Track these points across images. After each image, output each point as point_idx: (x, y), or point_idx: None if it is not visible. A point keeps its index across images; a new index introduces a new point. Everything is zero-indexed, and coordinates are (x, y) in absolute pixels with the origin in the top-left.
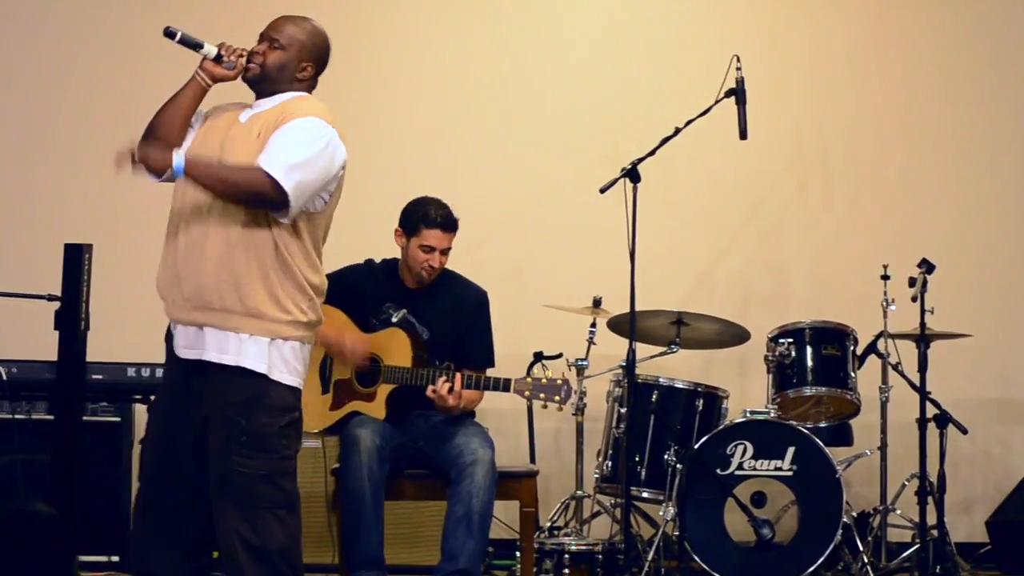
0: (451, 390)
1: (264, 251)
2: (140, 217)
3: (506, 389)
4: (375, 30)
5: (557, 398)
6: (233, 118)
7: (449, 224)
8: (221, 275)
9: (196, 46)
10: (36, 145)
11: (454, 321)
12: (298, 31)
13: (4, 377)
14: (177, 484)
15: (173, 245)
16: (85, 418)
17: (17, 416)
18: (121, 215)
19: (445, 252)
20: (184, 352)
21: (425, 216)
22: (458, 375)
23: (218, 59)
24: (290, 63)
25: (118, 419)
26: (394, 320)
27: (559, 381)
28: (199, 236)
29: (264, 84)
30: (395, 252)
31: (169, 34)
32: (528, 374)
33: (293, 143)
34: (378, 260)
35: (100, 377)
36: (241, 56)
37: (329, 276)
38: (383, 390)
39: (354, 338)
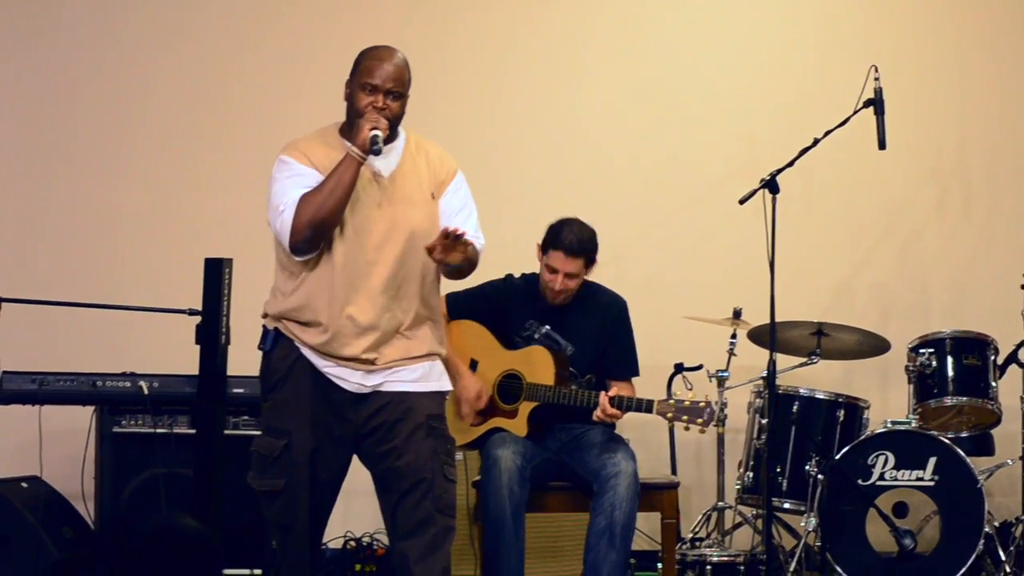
0: (606, 412)
1: (428, 297)
2: None
3: (648, 411)
4: (513, 44)
5: (700, 420)
6: (363, 175)
7: (574, 249)
8: (421, 312)
9: (376, 148)
10: (176, 161)
11: (596, 333)
12: (406, 71)
13: (146, 391)
14: (324, 499)
15: (343, 311)
16: (226, 431)
17: (159, 430)
18: (261, 229)
19: (570, 276)
20: (359, 388)
21: (555, 237)
22: (603, 395)
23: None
24: (404, 105)
25: (259, 432)
26: (536, 337)
27: (702, 403)
28: (384, 298)
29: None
30: (536, 266)
31: (373, 148)
32: (669, 393)
33: (474, 208)
34: (517, 275)
35: (241, 391)
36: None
37: (471, 292)
38: (525, 407)
39: (472, 402)
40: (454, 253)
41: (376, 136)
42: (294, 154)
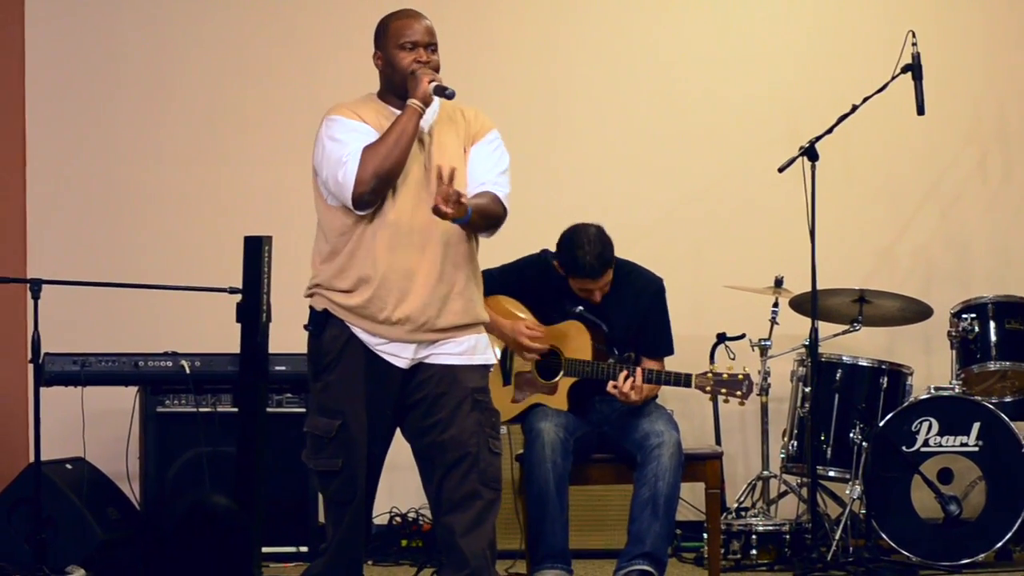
0: (632, 386)
1: (474, 259)
2: None
3: (687, 384)
4: (549, 15)
5: (739, 393)
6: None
7: (597, 271)
8: (470, 274)
9: (449, 92)
10: (215, 140)
11: (633, 313)
12: (432, 26)
13: (188, 371)
14: (376, 474)
15: (392, 266)
16: (269, 409)
17: (202, 409)
18: (300, 206)
19: (604, 286)
20: (406, 362)
21: (575, 265)
22: (639, 370)
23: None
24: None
25: (303, 410)
26: (574, 312)
27: (740, 376)
28: (434, 254)
29: None
30: None
31: (444, 93)
32: (710, 366)
33: (503, 160)
34: (553, 250)
35: (283, 368)
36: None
37: (506, 268)
38: (565, 383)
39: (530, 331)
40: (460, 205)
41: (442, 86)
42: (344, 112)
